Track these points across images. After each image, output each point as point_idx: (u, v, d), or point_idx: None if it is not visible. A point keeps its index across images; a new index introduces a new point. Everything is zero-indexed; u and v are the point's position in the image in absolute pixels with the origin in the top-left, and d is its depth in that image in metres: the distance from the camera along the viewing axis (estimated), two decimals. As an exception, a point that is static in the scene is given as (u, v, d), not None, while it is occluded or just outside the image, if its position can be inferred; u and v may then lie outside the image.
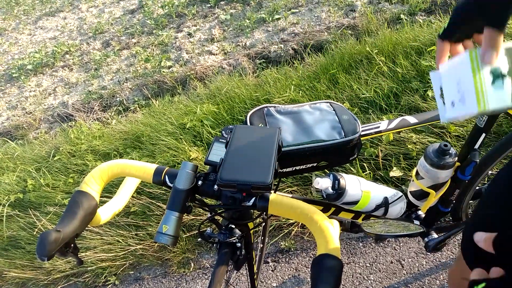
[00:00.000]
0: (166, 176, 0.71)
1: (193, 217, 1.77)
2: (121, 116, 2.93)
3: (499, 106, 0.45)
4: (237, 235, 0.78)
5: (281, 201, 0.66)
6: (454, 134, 1.74)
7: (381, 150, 1.75)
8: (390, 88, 2.05)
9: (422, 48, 2.21)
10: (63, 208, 2.03)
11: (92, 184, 0.70)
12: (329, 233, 0.60)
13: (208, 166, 0.73)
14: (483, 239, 0.48)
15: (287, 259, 1.63)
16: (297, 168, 0.88)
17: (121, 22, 4.45)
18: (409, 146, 1.72)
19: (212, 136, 2.10)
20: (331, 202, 0.97)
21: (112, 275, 1.77)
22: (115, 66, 3.67)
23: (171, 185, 0.69)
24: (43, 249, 0.57)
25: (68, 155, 2.41)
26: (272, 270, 1.61)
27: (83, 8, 5.21)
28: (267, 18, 3.42)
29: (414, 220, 1.16)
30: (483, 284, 0.43)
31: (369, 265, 1.52)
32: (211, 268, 1.70)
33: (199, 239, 1.78)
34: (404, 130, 1.41)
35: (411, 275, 1.45)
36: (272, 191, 0.68)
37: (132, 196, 1.86)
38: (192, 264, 1.72)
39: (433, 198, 1.03)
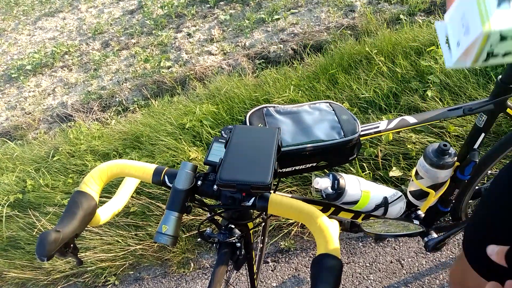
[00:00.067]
0: (166, 176, 0.71)
1: (193, 217, 1.77)
2: (121, 116, 2.93)
3: (504, 27, 0.41)
4: (236, 235, 0.78)
5: (281, 201, 0.66)
6: (453, 134, 1.74)
7: (380, 150, 1.75)
8: (389, 88, 2.05)
9: (422, 48, 2.22)
10: (62, 208, 2.03)
11: (92, 184, 0.70)
12: (328, 233, 0.60)
13: (208, 166, 0.73)
14: (495, 252, 0.48)
15: (287, 259, 1.63)
16: (297, 168, 0.88)
17: (120, 23, 4.44)
18: (408, 146, 1.72)
19: (211, 136, 2.10)
20: (331, 202, 0.97)
21: (111, 275, 1.77)
22: (115, 67, 3.67)
23: (170, 185, 0.69)
24: (42, 249, 0.57)
25: (68, 155, 2.40)
26: (272, 270, 1.61)
27: (82, 8, 5.21)
28: (266, 19, 3.42)
29: (413, 220, 1.16)
30: None
31: (369, 265, 1.52)
32: (211, 268, 1.70)
33: (199, 239, 1.78)
34: (404, 130, 1.41)
35: (411, 275, 1.45)
36: (272, 191, 0.68)
37: (132, 196, 1.86)
38: (192, 264, 1.72)
39: (433, 198, 1.03)
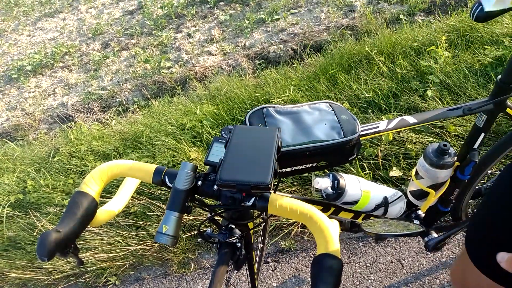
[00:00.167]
0: (166, 177, 0.71)
1: (193, 217, 1.77)
2: (121, 117, 2.93)
3: None
4: (237, 235, 0.78)
5: (281, 201, 0.66)
6: (453, 134, 1.74)
7: (380, 150, 1.75)
8: (389, 88, 2.05)
9: (422, 48, 2.22)
10: (63, 208, 2.03)
11: (92, 185, 0.70)
12: (329, 233, 0.60)
13: (208, 167, 0.73)
14: (505, 259, 0.48)
15: (287, 259, 1.63)
16: (297, 168, 0.88)
17: (120, 23, 4.45)
18: (408, 146, 1.72)
19: (211, 137, 2.10)
20: (331, 202, 0.97)
21: (112, 275, 1.77)
22: (115, 67, 3.67)
23: (170, 185, 0.69)
24: (43, 249, 0.57)
25: (68, 155, 2.41)
26: (272, 270, 1.61)
27: (82, 9, 5.21)
28: (266, 19, 3.42)
29: (414, 220, 1.16)
30: None
31: (369, 265, 1.52)
32: (211, 268, 1.70)
33: (199, 239, 1.78)
34: (404, 130, 1.41)
35: (411, 275, 1.45)
36: (272, 191, 0.68)
37: (132, 197, 1.86)
38: (193, 264, 1.72)
39: (433, 197, 1.03)
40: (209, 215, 0.74)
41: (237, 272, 1.57)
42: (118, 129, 2.52)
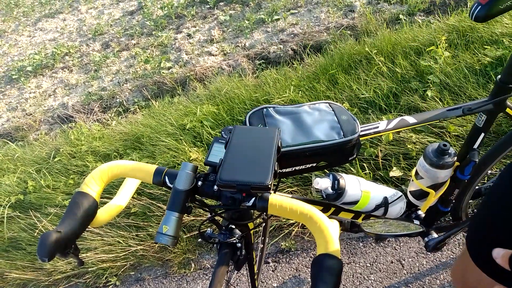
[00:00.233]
0: (166, 177, 0.71)
1: (193, 218, 1.77)
2: (121, 117, 2.93)
3: None
4: (237, 236, 0.78)
5: (281, 201, 0.66)
6: (453, 133, 1.74)
7: (380, 150, 1.75)
8: (389, 88, 2.05)
9: (421, 48, 2.22)
10: (63, 209, 2.03)
11: (92, 185, 0.70)
12: (329, 233, 0.60)
13: (208, 167, 0.73)
14: (500, 255, 0.48)
15: (287, 259, 1.63)
16: (297, 168, 0.89)
17: (120, 24, 4.45)
18: (408, 146, 1.72)
19: (211, 137, 2.10)
20: (331, 202, 0.97)
21: (113, 275, 1.77)
22: (115, 67, 3.68)
23: (171, 185, 0.69)
24: (43, 250, 0.58)
25: (68, 156, 2.41)
26: (272, 270, 1.61)
27: (82, 9, 5.22)
28: (266, 19, 3.43)
29: (414, 220, 1.16)
30: None
31: (369, 265, 1.53)
32: (211, 268, 1.70)
33: (200, 240, 1.78)
34: (404, 130, 1.42)
35: (411, 275, 1.45)
36: (272, 192, 0.68)
37: (133, 197, 1.86)
38: (193, 265, 1.73)
39: (433, 197, 1.03)
40: (209, 215, 0.74)
41: (237, 273, 1.57)
42: (119, 130, 2.53)
